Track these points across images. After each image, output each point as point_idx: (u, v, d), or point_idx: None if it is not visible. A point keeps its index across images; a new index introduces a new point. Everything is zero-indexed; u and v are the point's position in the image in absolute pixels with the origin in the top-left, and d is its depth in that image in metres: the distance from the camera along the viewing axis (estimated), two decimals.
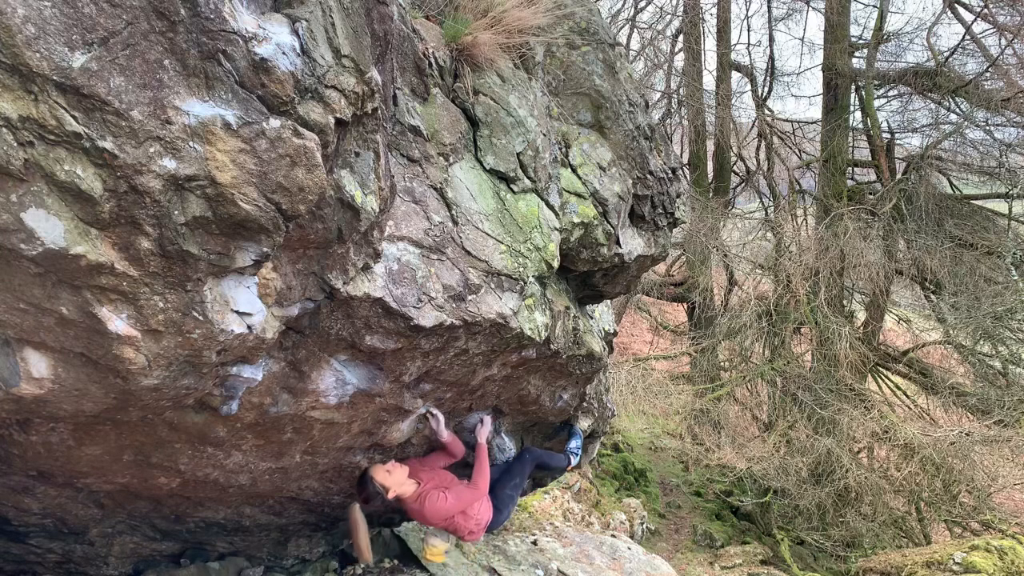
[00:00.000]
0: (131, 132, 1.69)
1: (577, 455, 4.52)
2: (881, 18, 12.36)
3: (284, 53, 1.86)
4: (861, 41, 12.85)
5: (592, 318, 4.50)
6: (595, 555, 5.76)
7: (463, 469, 3.91)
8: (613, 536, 6.62)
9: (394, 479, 3.40)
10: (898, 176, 12.12)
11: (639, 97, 4.02)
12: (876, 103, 12.58)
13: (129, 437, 2.69)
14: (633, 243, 3.96)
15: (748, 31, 19.42)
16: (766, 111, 14.09)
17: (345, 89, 2.03)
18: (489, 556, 5.12)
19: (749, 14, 18.61)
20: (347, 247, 2.37)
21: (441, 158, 2.96)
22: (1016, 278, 10.44)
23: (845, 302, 12.48)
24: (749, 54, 14.71)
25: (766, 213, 14.34)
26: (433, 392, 3.33)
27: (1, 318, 1.87)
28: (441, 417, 3.53)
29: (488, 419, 3.88)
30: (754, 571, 9.17)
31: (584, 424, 4.83)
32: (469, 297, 2.87)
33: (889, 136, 12.55)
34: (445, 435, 3.57)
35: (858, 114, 13.01)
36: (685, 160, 14.72)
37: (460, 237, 2.91)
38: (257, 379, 2.53)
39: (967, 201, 11.75)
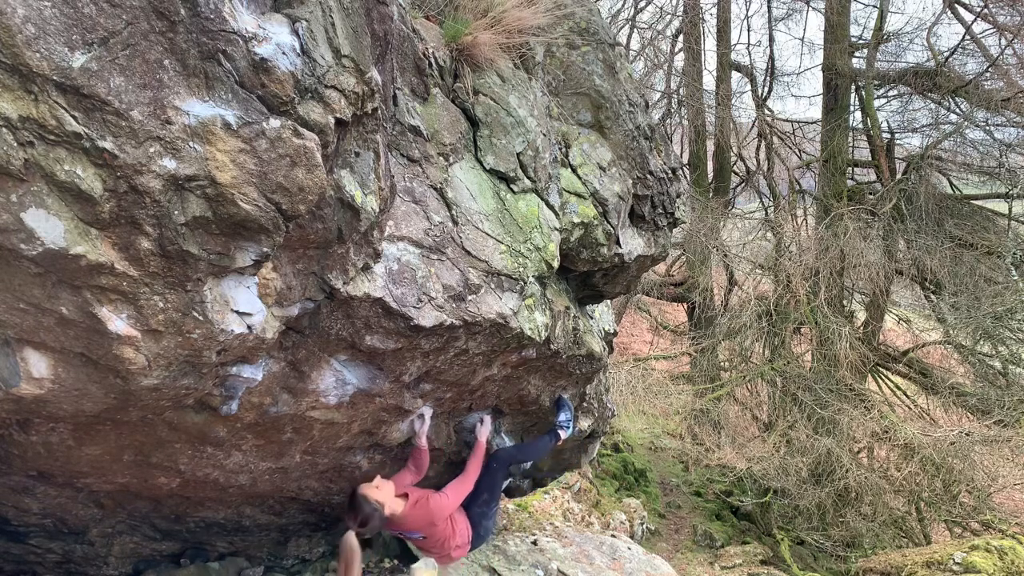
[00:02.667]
0: (131, 132, 1.69)
1: (568, 428, 4.20)
2: (881, 18, 12.36)
3: (284, 53, 1.86)
4: (861, 41, 12.85)
5: (592, 318, 4.50)
6: (595, 555, 5.76)
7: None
8: (613, 536, 6.62)
9: (386, 494, 3.29)
10: (898, 176, 12.11)
11: (639, 97, 4.02)
12: (876, 103, 12.58)
13: (129, 437, 2.69)
14: (633, 243, 3.96)
15: (748, 31, 19.48)
16: (766, 111, 14.09)
17: (345, 89, 2.04)
18: (489, 556, 5.13)
19: (749, 14, 18.63)
20: (347, 247, 2.37)
21: (441, 158, 2.96)
22: (1016, 278, 10.44)
23: (845, 302, 12.48)
24: (749, 54, 14.73)
25: (766, 213, 14.34)
26: (433, 392, 3.33)
27: (1, 318, 1.87)
28: (428, 421, 3.50)
29: (488, 419, 3.87)
30: (754, 571, 9.17)
31: (584, 424, 4.83)
32: (469, 297, 2.87)
33: (889, 136, 12.55)
34: (423, 441, 3.53)
35: (858, 114, 13.02)
36: (685, 160, 14.72)
37: (460, 237, 2.91)
38: (257, 379, 2.53)
39: (967, 201, 11.75)
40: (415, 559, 4.89)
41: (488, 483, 3.78)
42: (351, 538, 3.15)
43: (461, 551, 3.63)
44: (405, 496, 3.40)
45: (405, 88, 2.83)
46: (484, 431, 3.82)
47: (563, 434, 4.12)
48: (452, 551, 3.59)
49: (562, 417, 4.15)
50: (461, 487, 3.56)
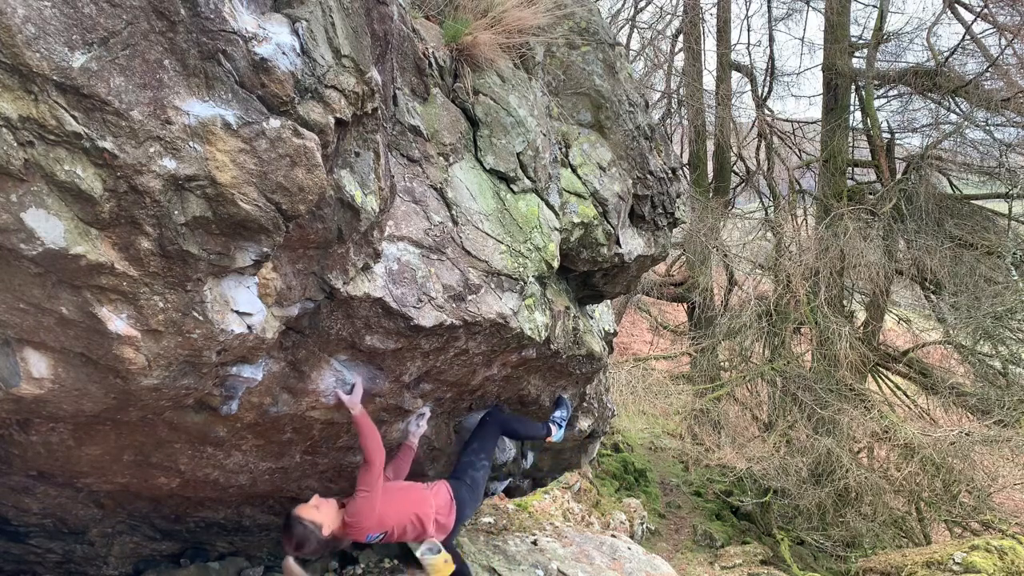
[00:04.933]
0: (131, 132, 1.69)
1: (561, 426, 4.07)
2: (881, 18, 12.37)
3: (284, 53, 1.86)
4: (861, 41, 12.86)
5: (592, 318, 4.50)
6: (595, 555, 5.76)
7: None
8: (613, 536, 6.62)
9: (324, 513, 3.04)
10: (898, 176, 12.12)
11: (639, 97, 4.02)
12: (876, 103, 12.59)
13: (129, 437, 2.69)
14: (633, 243, 3.96)
15: (748, 31, 19.48)
16: (766, 111, 14.09)
17: (345, 89, 2.04)
18: (489, 556, 5.13)
19: (749, 14, 18.63)
20: (347, 247, 2.37)
21: (441, 158, 2.96)
22: (1016, 278, 10.44)
23: (845, 302, 12.48)
24: (749, 54, 14.73)
25: (766, 213, 14.34)
26: (433, 392, 3.33)
27: (1, 318, 1.87)
28: (425, 423, 3.47)
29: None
30: (754, 571, 9.16)
31: (584, 424, 4.83)
32: (469, 297, 2.87)
33: (889, 136, 12.55)
34: (415, 440, 3.51)
35: (858, 114, 13.03)
36: (685, 160, 14.73)
37: (460, 237, 2.91)
38: (257, 379, 2.53)
39: (967, 201, 11.75)
40: (415, 560, 4.88)
41: (479, 434, 3.70)
42: (290, 563, 2.95)
43: (445, 513, 3.42)
44: (343, 507, 3.15)
45: (405, 88, 2.83)
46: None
47: (554, 430, 4.02)
48: (429, 526, 3.35)
49: (558, 413, 4.11)
50: (366, 476, 3.10)
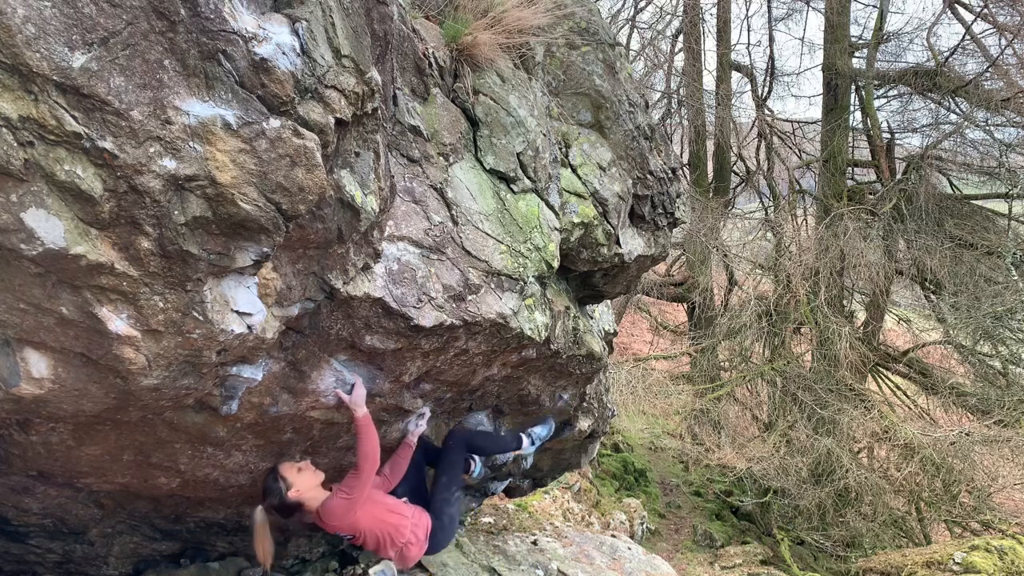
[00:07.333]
0: (131, 132, 1.69)
1: (534, 442, 3.86)
2: (881, 18, 12.38)
3: (284, 53, 1.86)
4: (861, 41, 12.87)
5: (592, 318, 4.50)
6: (595, 555, 5.76)
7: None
8: (613, 536, 6.62)
9: (302, 478, 2.96)
10: (898, 176, 12.13)
11: (639, 97, 4.02)
12: (876, 103, 12.61)
13: (129, 437, 2.69)
14: (633, 243, 3.96)
15: (748, 31, 19.47)
16: (766, 111, 14.11)
17: (345, 89, 2.04)
18: (489, 556, 5.12)
19: (749, 14, 18.60)
20: (347, 247, 2.37)
21: (441, 158, 2.96)
22: (1016, 278, 10.44)
23: (845, 302, 12.49)
24: (749, 54, 14.75)
25: (766, 213, 14.36)
26: (433, 392, 3.33)
27: (1, 318, 1.87)
28: (425, 424, 3.44)
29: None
30: (754, 571, 9.16)
31: (584, 424, 4.83)
32: (469, 297, 2.87)
33: (889, 136, 12.56)
34: (413, 439, 3.46)
35: (858, 114, 13.05)
36: (685, 160, 14.74)
37: (460, 237, 2.91)
38: (257, 379, 2.53)
39: (967, 201, 11.76)
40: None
41: (446, 464, 3.54)
42: (257, 511, 2.92)
43: (416, 548, 3.30)
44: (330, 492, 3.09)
45: (405, 88, 2.83)
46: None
47: (525, 441, 3.88)
48: (402, 549, 3.26)
49: (537, 429, 3.99)
50: (353, 481, 3.02)
